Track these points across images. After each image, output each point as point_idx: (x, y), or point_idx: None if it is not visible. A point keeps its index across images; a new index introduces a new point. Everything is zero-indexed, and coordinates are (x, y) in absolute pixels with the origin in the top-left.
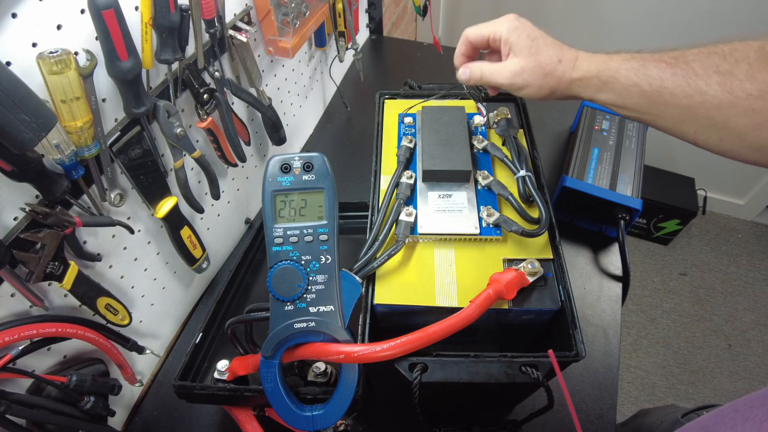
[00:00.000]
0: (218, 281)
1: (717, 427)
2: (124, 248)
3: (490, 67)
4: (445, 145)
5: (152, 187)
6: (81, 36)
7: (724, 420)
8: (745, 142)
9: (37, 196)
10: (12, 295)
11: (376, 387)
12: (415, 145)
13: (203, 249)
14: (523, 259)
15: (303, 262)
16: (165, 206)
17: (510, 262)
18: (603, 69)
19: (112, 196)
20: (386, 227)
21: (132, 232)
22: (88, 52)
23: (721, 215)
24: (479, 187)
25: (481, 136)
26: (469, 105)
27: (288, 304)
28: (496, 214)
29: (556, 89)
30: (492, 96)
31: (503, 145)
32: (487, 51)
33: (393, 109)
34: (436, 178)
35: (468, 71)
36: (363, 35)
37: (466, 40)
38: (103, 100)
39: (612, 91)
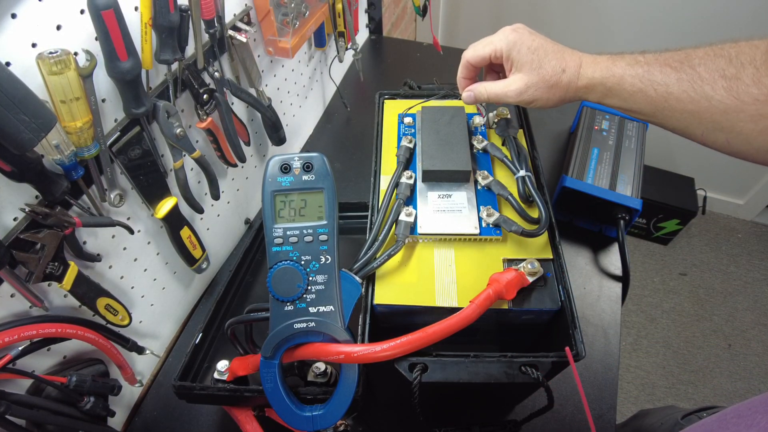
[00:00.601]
0: (218, 281)
1: None
2: (124, 248)
3: (494, 87)
4: (445, 145)
5: (152, 188)
6: (81, 36)
7: (727, 425)
8: (752, 146)
9: (36, 197)
10: (12, 296)
11: (376, 387)
12: (415, 145)
13: (203, 249)
14: (523, 259)
15: (303, 263)
16: (165, 206)
17: (510, 262)
18: (607, 75)
19: (112, 196)
20: (386, 227)
21: (132, 232)
22: (87, 52)
23: (720, 215)
24: (479, 187)
25: (480, 136)
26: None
27: (288, 304)
28: (496, 214)
29: (564, 98)
30: None
31: (503, 145)
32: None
33: (393, 110)
34: (435, 178)
35: (472, 94)
36: (363, 35)
37: (467, 63)
38: (103, 101)
39: (617, 97)
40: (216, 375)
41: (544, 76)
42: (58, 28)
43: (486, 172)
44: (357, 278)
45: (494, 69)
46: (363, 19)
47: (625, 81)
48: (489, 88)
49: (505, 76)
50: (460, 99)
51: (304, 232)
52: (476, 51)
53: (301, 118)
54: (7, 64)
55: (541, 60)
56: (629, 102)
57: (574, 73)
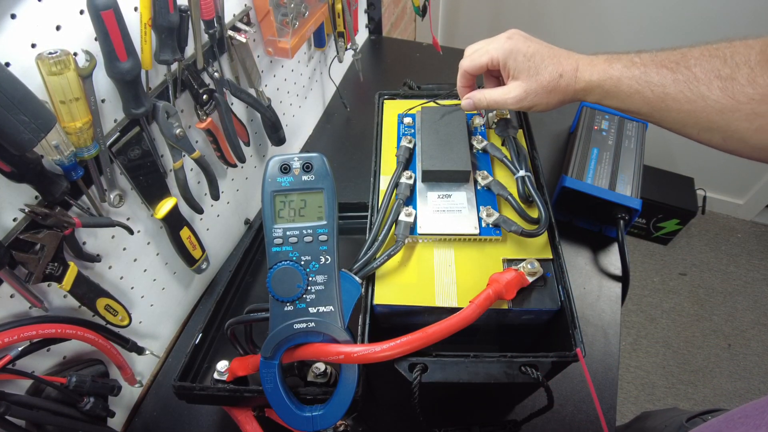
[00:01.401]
0: (218, 282)
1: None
2: (124, 249)
3: (493, 94)
4: (445, 146)
5: (152, 188)
6: (80, 37)
7: (735, 424)
8: (747, 144)
9: (36, 197)
10: (11, 296)
11: (376, 387)
12: (415, 145)
13: (203, 249)
14: (523, 259)
15: (302, 263)
16: (164, 207)
17: (509, 262)
18: (605, 78)
19: (112, 196)
20: (386, 227)
21: (131, 232)
22: (87, 52)
23: (720, 215)
24: (479, 188)
25: (480, 137)
26: None
27: (288, 304)
28: (496, 214)
29: (563, 100)
30: None
31: (502, 145)
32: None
33: (392, 110)
34: (435, 178)
35: (471, 102)
36: (362, 35)
37: (465, 73)
38: (103, 101)
39: (615, 98)
40: (216, 375)
41: (541, 82)
42: (58, 28)
43: (486, 172)
44: (357, 278)
45: (493, 74)
46: (362, 20)
47: (623, 83)
48: (488, 95)
49: (503, 80)
50: (460, 99)
51: (304, 232)
52: (473, 61)
53: (301, 118)
54: (7, 64)
55: (538, 66)
56: (627, 103)
57: (571, 77)
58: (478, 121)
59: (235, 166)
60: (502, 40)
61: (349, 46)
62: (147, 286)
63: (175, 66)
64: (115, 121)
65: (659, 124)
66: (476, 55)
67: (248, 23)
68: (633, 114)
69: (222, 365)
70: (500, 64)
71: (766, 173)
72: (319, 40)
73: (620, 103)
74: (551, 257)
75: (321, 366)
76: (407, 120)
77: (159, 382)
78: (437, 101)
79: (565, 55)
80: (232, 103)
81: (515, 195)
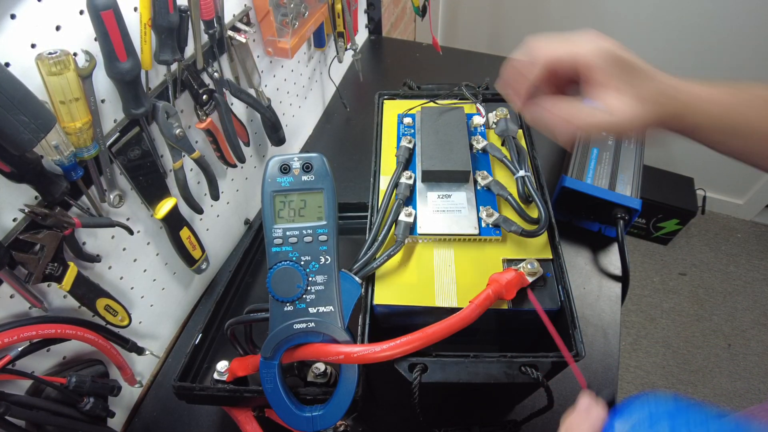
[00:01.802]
0: (218, 282)
1: (751, 422)
2: (124, 249)
3: (597, 116)
4: (445, 146)
5: (151, 188)
6: (80, 37)
7: (759, 415)
8: None
9: (36, 197)
10: (11, 297)
11: (376, 387)
12: (415, 145)
13: (202, 250)
14: (523, 259)
15: (302, 263)
16: (164, 207)
17: (509, 262)
18: (705, 100)
19: (112, 197)
20: (386, 228)
21: (131, 233)
22: (87, 53)
23: (720, 215)
24: (478, 188)
25: (480, 137)
26: (468, 105)
27: (287, 304)
28: (496, 215)
29: (652, 124)
30: (491, 97)
31: (502, 145)
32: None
33: (392, 110)
34: (435, 178)
35: (574, 126)
36: (362, 36)
37: (547, 63)
38: (102, 101)
39: (706, 126)
40: (216, 375)
41: (642, 97)
42: (58, 28)
43: (485, 173)
44: (357, 279)
45: (551, 82)
46: (362, 20)
47: (719, 107)
48: (590, 118)
49: (583, 88)
50: (460, 99)
51: (304, 232)
52: (553, 49)
53: (301, 118)
54: (7, 64)
55: (634, 79)
56: (715, 132)
57: (669, 96)
58: (477, 120)
59: (234, 166)
60: (592, 37)
61: (348, 46)
62: (147, 286)
63: (174, 66)
64: (115, 121)
65: (740, 155)
66: (554, 45)
67: (248, 23)
68: (714, 143)
69: (222, 365)
70: (588, 65)
71: (765, 173)
72: (319, 40)
73: (708, 133)
74: (551, 257)
75: (321, 366)
76: (407, 120)
77: (159, 383)
78: (437, 101)
79: (656, 71)
80: (232, 104)
81: (515, 195)
